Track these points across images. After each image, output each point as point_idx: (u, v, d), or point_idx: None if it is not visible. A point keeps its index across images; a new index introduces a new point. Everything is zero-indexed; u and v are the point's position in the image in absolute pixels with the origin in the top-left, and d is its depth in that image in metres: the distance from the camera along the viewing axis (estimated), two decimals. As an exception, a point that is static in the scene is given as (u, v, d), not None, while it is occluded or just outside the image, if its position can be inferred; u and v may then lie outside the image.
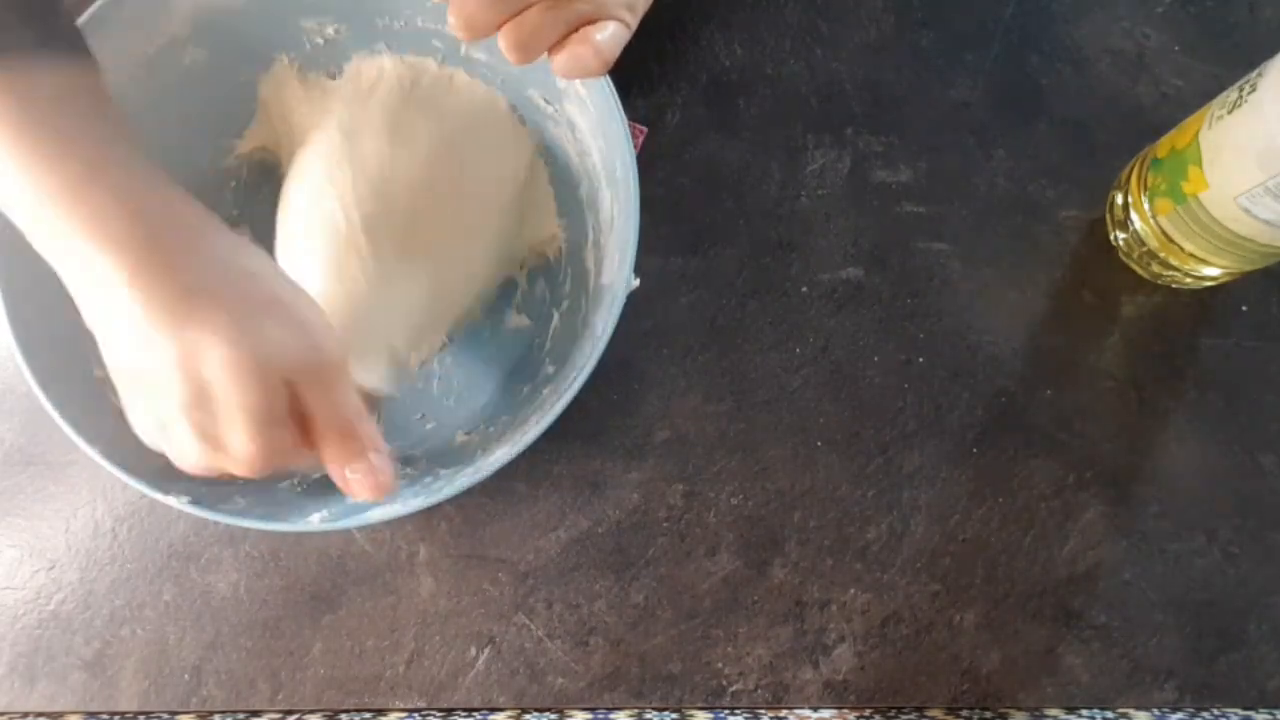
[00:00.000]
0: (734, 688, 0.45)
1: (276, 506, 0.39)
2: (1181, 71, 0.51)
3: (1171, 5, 0.52)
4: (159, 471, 0.38)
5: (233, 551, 0.47)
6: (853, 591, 0.46)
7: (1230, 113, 0.38)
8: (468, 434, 0.45)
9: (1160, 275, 0.47)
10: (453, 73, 0.47)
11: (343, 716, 0.45)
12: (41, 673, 0.46)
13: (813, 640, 0.45)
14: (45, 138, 0.31)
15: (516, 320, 0.48)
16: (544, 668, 0.45)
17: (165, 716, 0.45)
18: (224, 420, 0.32)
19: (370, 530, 0.47)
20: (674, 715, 0.45)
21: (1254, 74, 0.38)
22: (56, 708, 0.45)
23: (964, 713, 0.45)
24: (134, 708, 0.45)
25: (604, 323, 0.38)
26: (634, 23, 0.35)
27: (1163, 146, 0.44)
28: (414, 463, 0.43)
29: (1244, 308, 0.48)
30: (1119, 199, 0.47)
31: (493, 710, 0.45)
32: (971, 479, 0.47)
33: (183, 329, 0.31)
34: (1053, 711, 0.45)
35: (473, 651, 0.45)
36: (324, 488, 0.41)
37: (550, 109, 0.45)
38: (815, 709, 0.45)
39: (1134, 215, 0.46)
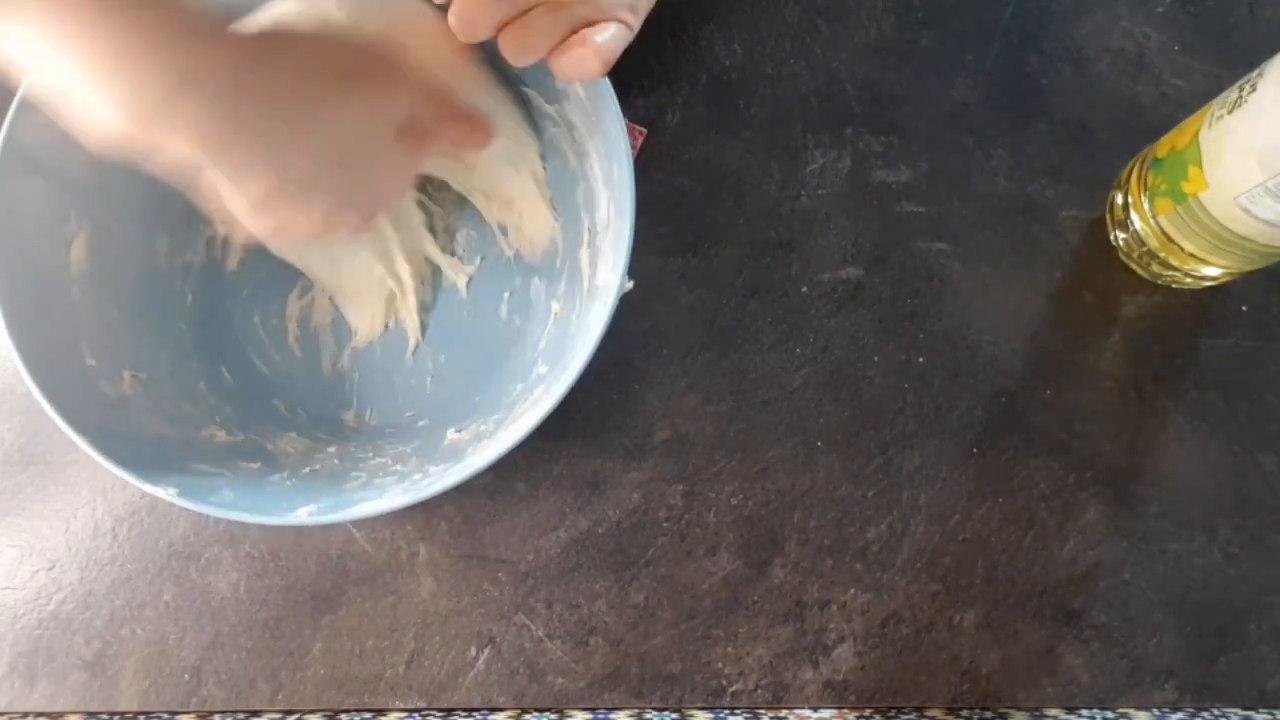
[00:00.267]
0: (734, 688, 0.45)
1: (265, 499, 0.40)
2: (1181, 71, 0.51)
3: (1171, 5, 0.52)
4: (147, 463, 0.39)
5: (233, 551, 0.47)
6: (853, 591, 0.46)
7: (1230, 112, 0.38)
8: (459, 431, 0.45)
9: (1160, 275, 0.47)
10: None
11: (343, 716, 0.45)
12: (41, 673, 0.46)
13: (813, 640, 0.45)
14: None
15: (510, 319, 0.48)
16: (544, 668, 0.45)
17: (165, 716, 0.45)
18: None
19: (370, 530, 0.47)
20: (674, 715, 0.45)
21: (1254, 74, 0.38)
22: (56, 708, 0.45)
23: (964, 713, 0.45)
24: (134, 708, 0.45)
25: (597, 323, 0.38)
26: (636, 24, 0.35)
27: (1163, 146, 0.44)
28: (404, 460, 0.43)
29: (1244, 308, 0.48)
30: (1119, 199, 0.47)
31: (493, 710, 0.45)
32: (971, 479, 0.47)
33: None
34: (1053, 711, 0.45)
35: (473, 651, 0.45)
36: (313, 482, 0.42)
37: (549, 109, 0.45)
38: (815, 709, 0.45)
39: (1134, 215, 0.46)
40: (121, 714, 0.46)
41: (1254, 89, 0.37)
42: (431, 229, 0.49)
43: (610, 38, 0.35)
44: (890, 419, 0.47)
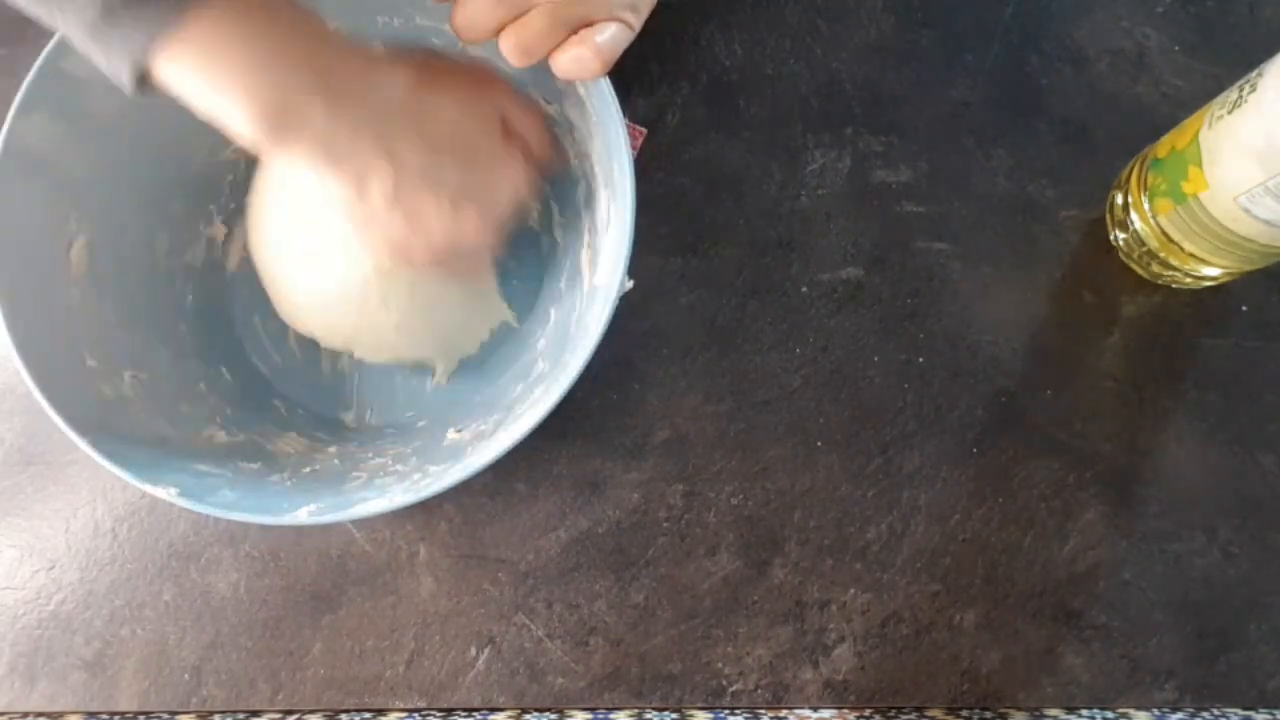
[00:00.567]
0: (734, 688, 0.45)
1: (265, 499, 0.40)
2: (1181, 71, 0.51)
3: (1171, 5, 0.52)
4: (148, 463, 0.39)
5: (233, 551, 0.47)
6: (853, 591, 0.46)
7: (1230, 113, 0.38)
8: (459, 431, 0.45)
9: (1160, 275, 0.47)
10: None
11: (343, 716, 0.45)
12: (41, 673, 0.46)
13: (813, 640, 0.45)
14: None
15: (510, 319, 0.48)
16: (544, 668, 0.45)
17: (165, 716, 0.45)
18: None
19: (370, 530, 0.47)
20: (674, 715, 0.45)
21: (1254, 74, 0.38)
22: (56, 708, 0.45)
23: (964, 713, 0.45)
24: (134, 708, 0.45)
25: (597, 323, 0.38)
26: (637, 24, 0.35)
27: (1163, 146, 0.44)
28: (404, 460, 0.43)
29: (1244, 308, 0.48)
30: (1119, 199, 0.47)
31: (493, 710, 0.45)
32: (971, 479, 0.47)
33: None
34: (1053, 711, 0.45)
35: (473, 651, 0.45)
36: (313, 482, 0.42)
37: (550, 109, 0.45)
38: (815, 709, 0.45)
39: (1134, 215, 0.46)
40: (121, 714, 0.46)
41: (1254, 89, 0.37)
42: None
43: (610, 38, 0.35)
44: (890, 419, 0.47)
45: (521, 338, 0.48)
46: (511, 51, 0.35)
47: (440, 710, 0.45)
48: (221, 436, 0.44)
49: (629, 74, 0.50)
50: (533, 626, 0.46)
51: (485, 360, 0.48)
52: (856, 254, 0.49)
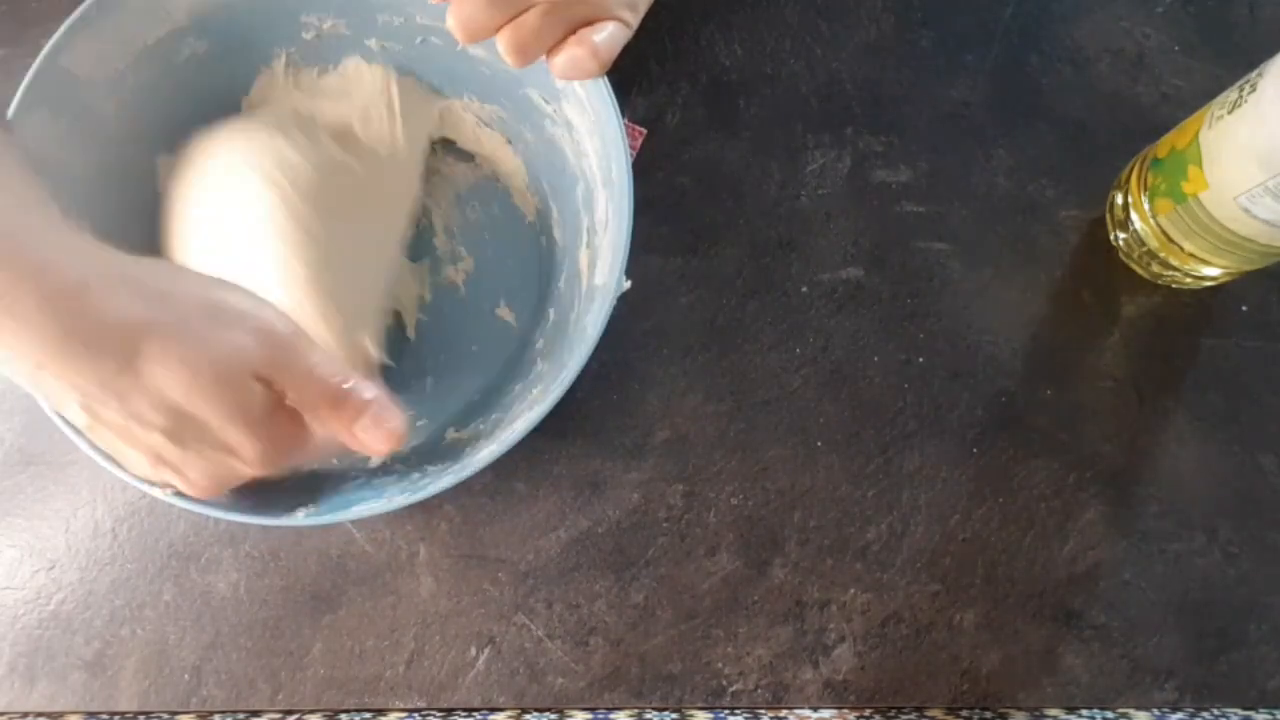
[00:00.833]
0: (734, 688, 0.45)
1: (262, 500, 0.39)
2: (1181, 71, 0.51)
3: (1171, 5, 0.52)
4: None
5: (233, 551, 0.47)
6: (853, 591, 0.46)
7: (1230, 113, 0.38)
8: (458, 432, 0.45)
9: (1160, 275, 0.47)
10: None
11: (343, 716, 0.45)
12: (41, 673, 0.46)
13: (813, 640, 0.45)
14: None
15: (509, 318, 0.48)
16: (544, 668, 0.45)
17: (165, 716, 0.45)
18: (217, 432, 0.32)
19: (370, 530, 0.47)
20: (674, 715, 0.45)
21: (1254, 74, 0.38)
22: (56, 708, 0.45)
23: (964, 713, 0.45)
24: (134, 708, 0.45)
25: (594, 323, 0.38)
26: (634, 22, 0.35)
27: (1163, 146, 0.44)
28: (403, 459, 0.43)
29: (1244, 308, 0.48)
30: (1119, 199, 0.47)
31: (493, 710, 0.45)
32: (971, 479, 0.47)
33: (133, 375, 0.30)
34: (1053, 711, 0.45)
35: (473, 651, 0.45)
36: (310, 482, 0.42)
37: (548, 109, 0.45)
38: (815, 709, 0.45)
39: (1134, 215, 0.46)
40: (121, 714, 0.45)
41: (1254, 89, 0.37)
42: (431, 225, 0.49)
43: (608, 37, 0.35)
44: (890, 419, 0.47)
45: (520, 337, 0.48)
46: (508, 51, 0.35)
47: (440, 710, 0.45)
48: None
49: (629, 74, 0.51)
50: (533, 626, 0.46)
51: (484, 359, 0.48)
52: (856, 254, 0.49)
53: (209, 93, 0.46)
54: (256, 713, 0.45)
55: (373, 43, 0.47)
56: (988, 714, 0.45)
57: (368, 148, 0.46)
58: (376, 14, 0.46)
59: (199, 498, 0.35)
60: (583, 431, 0.47)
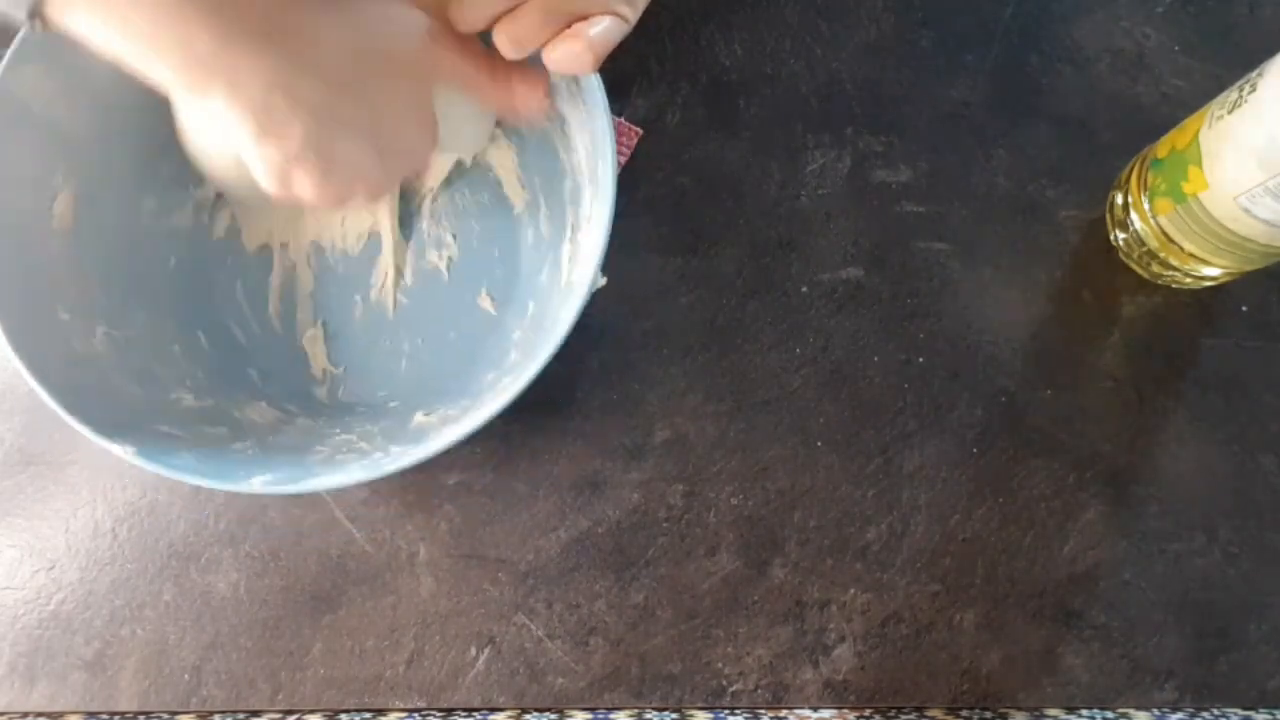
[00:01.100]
0: (734, 688, 0.45)
1: (223, 466, 0.39)
2: (1181, 71, 0.51)
3: (1171, 5, 0.52)
4: (109, 421, 0.38)
5: (233, 551, 0.47)
6: (853, 591, 0.46)
7: (1230, 113, 0.38)
8: (427, 415, 0.45)
9: (1160, 275, 0.47)
10: None
11: (343, 716, 0.45)
12: (41, 673, 0.46)
13: (813, 640, 0.45)
14: None
15: (489, 307, 0.49)
16: (544, 668, 0.45)
17: (165, 716, 0.45)
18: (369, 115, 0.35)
19: (370, 530, 0.47)
20: (674, 715, 0.45)
21: (1254, 74, 0.38)
22: (56, 708, 0.45)
23: (964, 713, 0.45)
24: (134, 708, 0.45)
25: (568, 317, 0.38)
26: (633, 18, 0.35)
27: (1163, 146, 0.44)
28: (370, 438, 0.43)
29: (1244, 308, 0.48)
30: (1119, 199, 0.47)
31: (493, 710, 0.45)
32: (971, 479, 0.47)
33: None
34: (1053, 711, 0.45)
35: (473, 651, 0.45)
36: (275, 453, 0.42)
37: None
38: (815, 709, 0.45)
39: (1134, 215, 0.46)
40: (121, 714, 0.46)
41: (1254, 89, 0.37)
42: (418, 207, 0.49)
43: (603, 31, 0.35)
44: (890, 419, 0.47)
45: (499, 327, 0.48)
46: (505, 44, 0.35)
47: (440, 710, 0.45)
48: (190, 400, 0.44)
49: (629, 74, 0.51)
50: (533, 626, 0.46)
51: (461, 346, 0.48)
52: (856, 254, 0.49)
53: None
54: (256, 713, 0.45)
55: None
56: (988, 714, 0.45)
57: None
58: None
59: (323, 197, 0.35)
60: (583, 431, 0.47)
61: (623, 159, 0.49)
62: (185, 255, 0.48)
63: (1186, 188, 0.41)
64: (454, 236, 0.49)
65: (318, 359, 0.49)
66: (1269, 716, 0.44)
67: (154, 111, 0.43)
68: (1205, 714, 0.44)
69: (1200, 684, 0.45)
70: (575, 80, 0.40)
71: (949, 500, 0.46)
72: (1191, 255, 0.44)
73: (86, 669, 0.46)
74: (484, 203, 0.50)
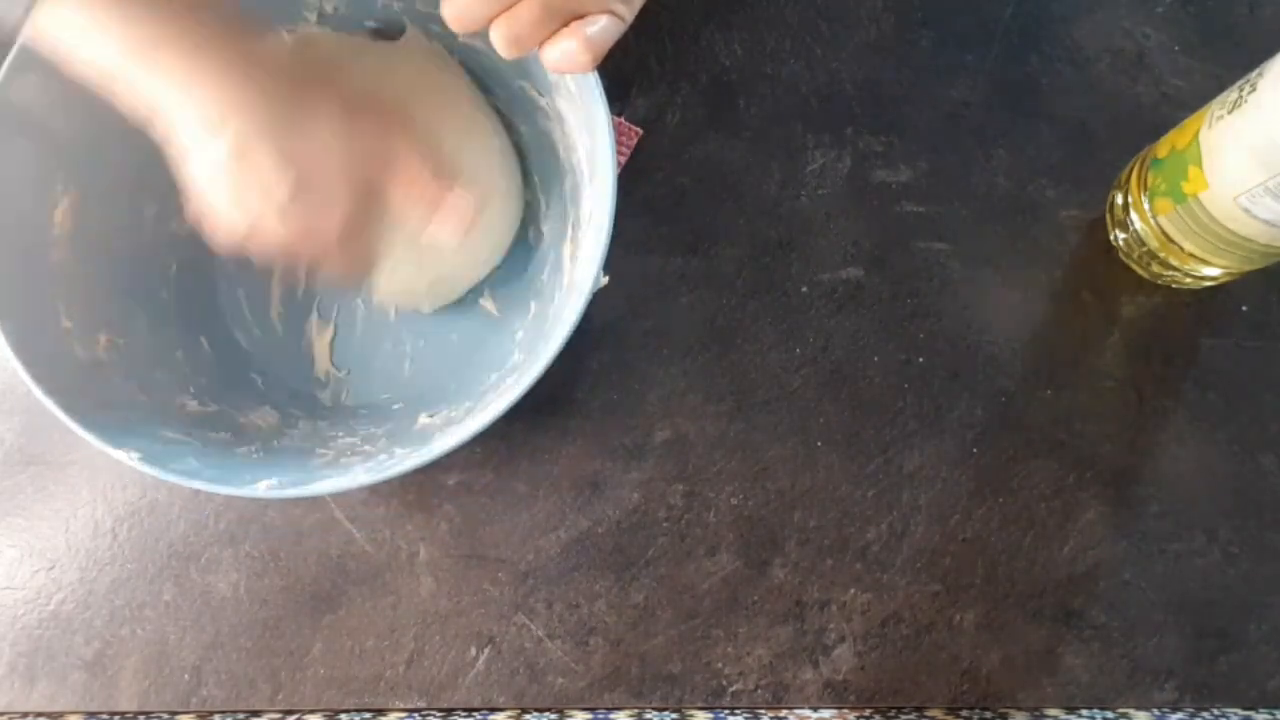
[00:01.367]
0: (734, 688, 0.45)
1: (228, 470, 0.39)
2: (1181, 71, 0.51)
3: (1171, 5, 0.52)
4: (114, 426, 0.38)
5: (233, 551, 0.47)
6: (853, 591, 0.46)
7: (1230, 113, 0.38)
8: (430, 417, 0.45)
9: (1160, 275, 0.47)
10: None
11: (343, 716, 0.45)
12: (41, 673, 0.46)
13: (813, 640, 0.45)
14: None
15: (491, 309, 0.49)
16: (544, 668, 0.45)
17: (165, 716, 0.46)
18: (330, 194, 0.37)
19: (370, 530, 0.47)
20: (674, 715, 0.45)
21: (1254, 74, 0.38)
22: (56, 708, 0.45)
23: (964, 713, 0.45)
24: (134, 708, 0.45)
25: (570, 316, 0.38)
26: (629, 16, 0.35)
27: (1163, 146, 0.44)
28: (374, 441, 0.43)
29: (1244, 308, 0.48)
30: (1119, 199, 0.47)
31: (493, 710, 0.45)
32: (971, 479, 0.47)
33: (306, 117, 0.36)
34: (1053, 711, 0.45)
35: (473, 651, 0.45)
36: (279, 457, 0.42)
37: (541, 102, 0.45)
38: (815, 709, 0.45)
39: (1134, 215, 0.46)
40: (121, 714, 0.46)
41: (1254, 89, 0.37)
42: None
43: (601, 30, 0.35)
44: (890, 419, 0.47)
45: (501, 328, 0.48)
46: (501, 42, 0.35)
47: (440, 710, 0.45)
48: (193, 405, 0.44)
49: (629, 74, 0.51)
50: (533, 626, 0.46)
51: (464, 347, 0.48)
52: (856, 254, 0.49)
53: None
54: (256, 713, 0.45)
55: (373, 25, 0.47)
56: (988, 714, 0.45)
57: None
58: (376, -1, 0.46)
59: (290, 251, 0.37)
60: (583, 431, 0.47)
61: (622, 159, 0.49)
62: (186, 261, 0.48)
63: (1186, 188, 0.41)
64: None
65: (322, 360, 0.49)
66: (1269, 716, 0.44)
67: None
68: (1205, 714, 0.44)
69: (1200, 684, 0.45)
70: (575, 79, 0.40)
71: (949, 500, 0.46)
72: (1191, 255, 0.44)
73: (86, 669, 0.46)
74: None
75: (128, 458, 0.37)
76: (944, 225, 0.49)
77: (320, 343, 0.49)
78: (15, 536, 0.47)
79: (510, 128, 0.49)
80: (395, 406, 0.47)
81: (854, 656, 0.45)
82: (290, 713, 0.45)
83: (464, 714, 0.45)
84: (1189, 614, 0.45)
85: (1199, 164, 0.40)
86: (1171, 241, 0.44)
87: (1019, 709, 0.45)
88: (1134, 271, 0.48)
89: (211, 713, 0.45)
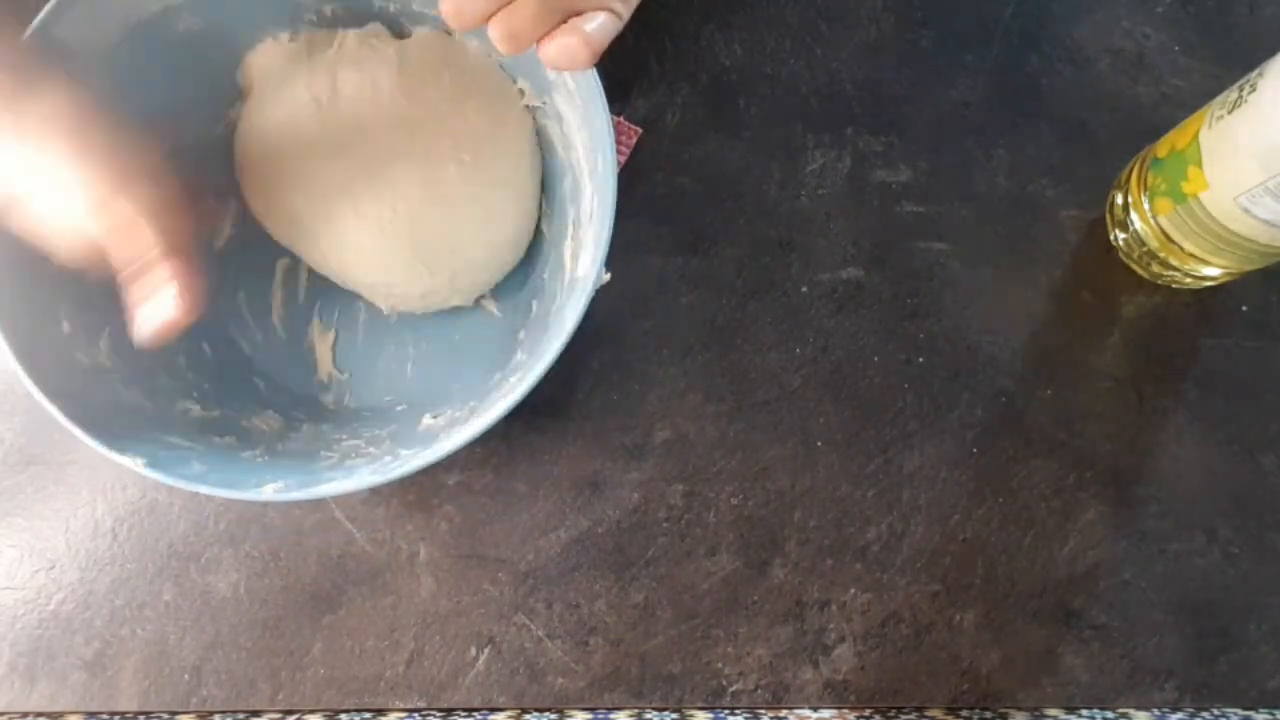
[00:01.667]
0: (734, 688, 0.45)
1: (233, 475, 0.39)
2: (1181, 71, 0.51)
3: (1171, 5, 0.52)
4: (118, 432, 0.38)
5: (233, 551, 0.47)
6: (853, 591, 0.46)
7: (1230, 113, 0.38)
8: (434, 417, 0.45)
9: (1160, 275, 0.47)
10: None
11: (343, 716, 0.45)
12: (41, 673, 0.46)
13: (813, 640, 0.45)
14: None
15: (492, 309, 0.49)
16: (544, 668, 0.45)
17: (165, 716, 0.46)
18: None
19: (370, 530, 0.47)
20: (674, 715, 0.45)
21: (1254, 74, 0.38)
22: (56, 708, 0.45)
23: (964, 713, 0.45)
24: (134, 708, 0.45)
25: (572, 315, 0.38)
26: (626, 13, 0.35)
27: (1163, 146, 0.44)
28: (378, 443, 0.43)
29: (1244, 308, 0.48)
30: (1119, 199, 0.47)
31: (493, 710, 0.45)
32: (971, 479, 0.47)
33: None
34: (1053, 711, 0.45)
35: (473, 651, 0.45)
36: (284, 460, 0.42)
37: (540, 100, 0.45)
38: (815, 709, 0.45)
39: (1134, 215, 0.46)
40: (121, 714, 0.46)
41: (1254, 89, 0.37)
42: None
43: (599, 27, 0.35)
44: (890, 419, 0.47)
45: (503, 328, 0.48)
46: (499, 39, 0.35)
47: (440, 710, 0.45)
48: (197, 410, 0.44)
49: (629, 74, 0.51)
50: (533, 626, 0.46)
51: (466, 347, 0.48)
52: (856, 254, 0.49)
53: (203, 70, 0.46)
54: (256, 713, 0.45)
55: (374, 27, 0.47)
56: (988, 714, 0.45)
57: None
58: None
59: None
60: (583, 431, 0.47)
61: (622, 158, 0.49)
62: None
63: (1186, 188, 0.41)
64: None
65: (324, 363, 0.49)
66: (1269, 716, 0.44)
67: (154, 121, 0.43)
68: (1205, 714, 0.44)
69: (1200, 684, 0.45)
70: (574, 77, 0.40)
71: (949, 500, 0.46)
72: (1191, 255, 0.44)
73: (86, 669, 0.46)
74: None
75: (133, 463, 0.37)
76: (944, 225, 0.49)
77: (322, 346, 0.49)
78: (15, 536, 0.47)
79: None
80: (399, 408, 0.47)
81: (854, 656, 0.45)
82: (290, 713, 0.45)
83: (464, 714, 0.45)
84: (1189, 614, 0.45)
85: (1199, 164, 0.40)
86: (1171, 241, 0.44)
87: (1019, 709, 0.45)
88: (1134, 271, 0.48)
89: (211, 713, 0.45)
